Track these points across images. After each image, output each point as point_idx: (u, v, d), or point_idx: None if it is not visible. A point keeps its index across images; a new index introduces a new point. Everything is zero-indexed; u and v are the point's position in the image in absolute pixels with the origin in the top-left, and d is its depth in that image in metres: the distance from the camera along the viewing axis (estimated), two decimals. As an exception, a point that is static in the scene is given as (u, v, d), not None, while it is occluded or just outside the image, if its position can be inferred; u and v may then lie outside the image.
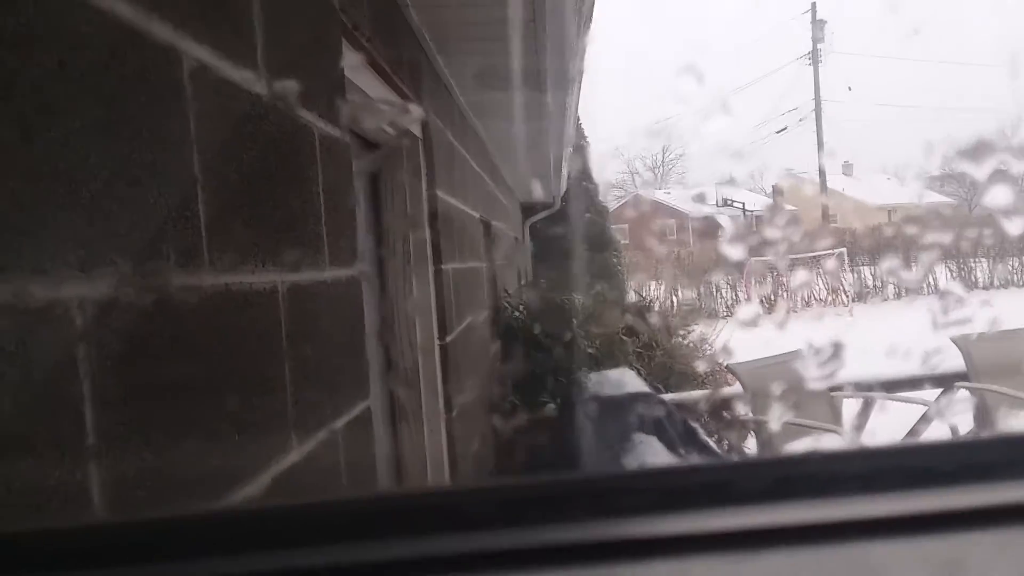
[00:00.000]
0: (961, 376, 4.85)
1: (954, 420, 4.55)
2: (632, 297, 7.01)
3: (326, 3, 1.47)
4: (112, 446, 0.71)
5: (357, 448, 1.42)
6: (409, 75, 2.25)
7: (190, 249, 0.88)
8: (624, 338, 4.86)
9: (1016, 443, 0.56)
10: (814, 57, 25.55)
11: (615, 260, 9.32)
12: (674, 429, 3.76)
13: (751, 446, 4.79)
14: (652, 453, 3.47)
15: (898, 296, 16.70)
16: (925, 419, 4.62)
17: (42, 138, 0.67)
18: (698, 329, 6.93)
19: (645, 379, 4.54)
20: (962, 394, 4.86)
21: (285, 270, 1.14)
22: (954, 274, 16.37)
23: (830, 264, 16.51)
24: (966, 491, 0.47)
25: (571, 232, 8.37)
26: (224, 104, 1.00)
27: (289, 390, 1.12)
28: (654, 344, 5.08)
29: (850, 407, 4.71)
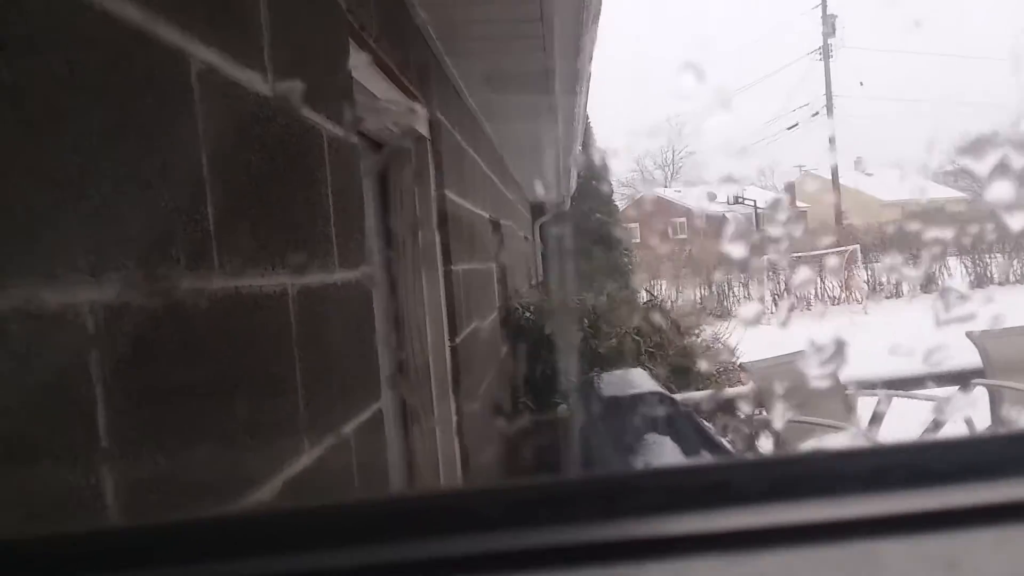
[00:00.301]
0: (978, 373, 4.81)
1: (971, 417, 4.51)
2: (643, 296, 6.99)
3: (333, 4, 1.47)
4: (125, 450, 0.71)
5: (369, 450, 1.42)
6: (417, 75, 2.25)
7: (200, 252, 0.88)
8: (635, 337, 4.85)
9: (1019, 440, 0.56)
10: (825, 52, 25.44)
11: (625, 259, 9.31)
12: (686, 429, 3.74)
13: (764, 445, 4.77)
14: (664, 453, 3.46)
15: (913, 293, 16.59)
16: (942, 416, 4.58)
17: (52, 143, 0.67)
18: (710, 328, 6.90)
19: (657, 379, 4.53)
20: (979, 391, 4.82)
21: (294, 272, 1.14)
22: (969, 269, 16.25)
23: (843, 261, 16.43)
24: (968, 489, 0.47)
25: (581, 231, 8.37)
26: (232, 106, 1.00)
27: (300, 392, 1.12)
28: (665, 343, 5.06)
29: (866, 405, 4.68)
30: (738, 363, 5.17)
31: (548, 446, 3.71)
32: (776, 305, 15.41)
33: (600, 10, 2.89)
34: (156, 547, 0.51)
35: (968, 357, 4.86)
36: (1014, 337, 4.73)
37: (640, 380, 4.22)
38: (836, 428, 4.07)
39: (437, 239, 2.53)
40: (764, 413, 4.51)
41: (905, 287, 16.82)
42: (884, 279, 16.74)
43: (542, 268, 8.42)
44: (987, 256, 16.63)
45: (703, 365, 5.23)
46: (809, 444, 4.11)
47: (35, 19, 0.66)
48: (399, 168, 2.43)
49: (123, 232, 0.75)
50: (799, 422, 4.19)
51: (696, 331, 6.34)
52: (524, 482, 0.54)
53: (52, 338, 0.65)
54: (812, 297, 15.24)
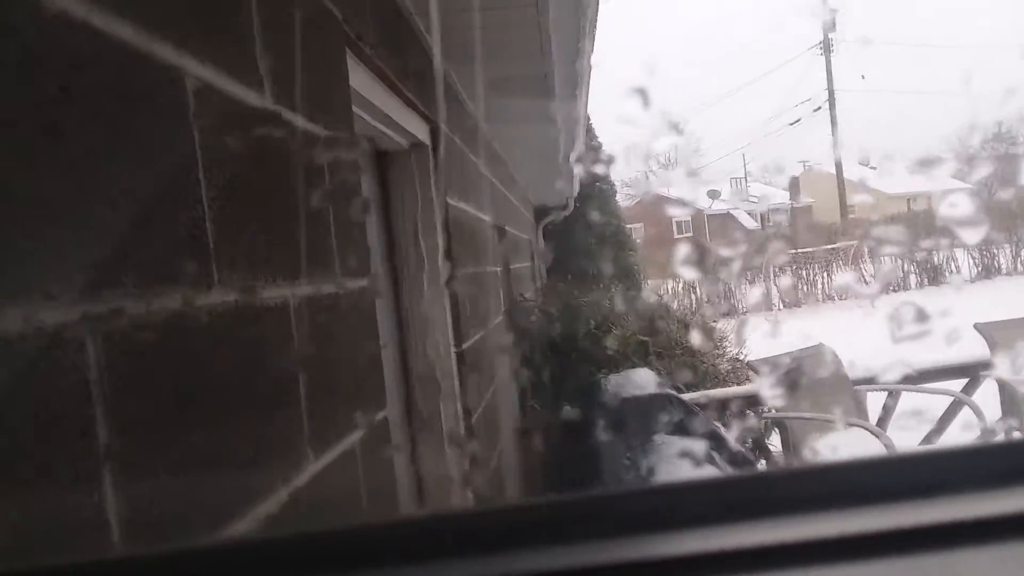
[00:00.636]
0: (987, 365, 4.79)
1: (981, 410, 4.49)
2: (649, 296, 6.98)
3: (329, 15, 1.48)
4: (127, 468, 0.71)
5: (375, 459, 1.42)
6: (416, 83, 2.25)
7: (199, 267, 0.89)
8: (642, 338, 4.84)
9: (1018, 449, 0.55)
10: (826, 46, 25.38)
11: (631, 259, 9.29)
12: (695, 429, 3.73)
13: (774, 443, 4.75)
14: (673, 453, 3.45)
15: (920, 286, 16.54)
16: (952, 410, 4.56)
17: (47, 163, 0.68)
18: (717, 326, 6.88)
19: (665, 378, 4.52)
20: (989, 383, 4.79)
21: (296, 284, 1.14)
22: (976, 261, 16.18)
23: (850, 256, 16.38)
24: (974, 500, 0.45)
25: (585, 233, 8.36)
26: (229, 121, 1.01)
27: (304, 404, 1.12)
28: (672, 343, 5.05)
29: (875, 400, 4.66)
30: (746, 361, 5.16)
31: (556, 448, 3.71)
32: (783, 302, 15.37)
33: (598, 13, 2.89)
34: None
35: (977, 349, 4.84)
36: (1022, 327, 4.70)
37: (647, 381, 4.22)
38: (846, 424, 4.05)
39: (440, 245, 2.53)
40: (772, 411, 4.49)
41: (913, 280, 16.77)
42: (891, 273, 16.68)
43: (547, 271, 8.41)
44: (995, 247, 16.56)
45: (711, 363, 5.22)
46: (818, 441, 4.09)
47: (26, 39, 0.66)
48: (401, 176, 2.44)
49: (121, 250, 0.75)
50: (807, 419, 4.18)
51: (703, 330, 6.32)
52: (521, 502, 0.53)
53: (51, 358, 0.65)
54: (819, 292, 15.20)
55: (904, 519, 0.44)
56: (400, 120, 2.14)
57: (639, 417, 3.67)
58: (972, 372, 4.84)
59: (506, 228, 4.80)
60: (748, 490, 0.52)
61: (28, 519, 0.61)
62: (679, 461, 3.43)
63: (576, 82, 3.59)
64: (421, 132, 2.42)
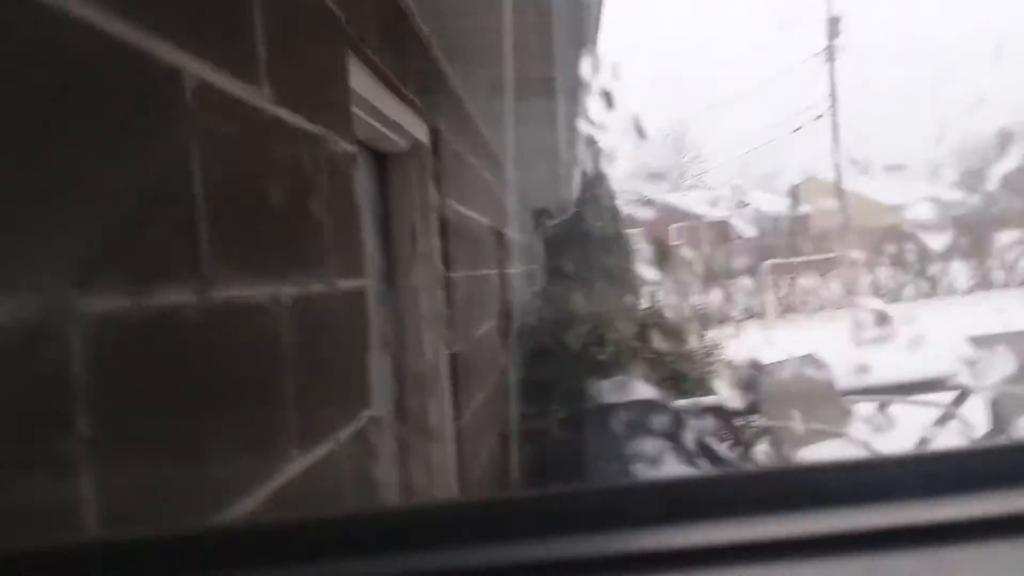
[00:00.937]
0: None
1: (970, 422, 4.50)
2: (645, 302, 6.99)
3: (330, 15, 1.49)
4: (109, 462, 0.72)
5: (362, 458, 1.43)
6: (417, 84, 2.26)
7: (192, 265, 0.89)
8: (635, 344, 4.85)
9: (1010, 452, 0.56)
10: (830, 54, 25.39)
11: (628, 265, 9.30)
12: (684, 436, 3.74)
13: (762, 451, 4.76)
14: (662, 460, 3.46)
15: (915, 297, 16.56)
16: (941, 422, 4.57)
17: (41, 160, 0.68)
18: (711, 334, 6.89)
19: (657, 385, 4.53)
20: (977, 396, 4.80)
21: (289, 283, 1.15)
22: (971, 274, 16.19)
23: (845, 266, 16.40)
24: (976, 500, 0.46)
25: (583, 238, 8.36)
26: (227, 120, 1.02)
27: (292, 402, 1.13)
28: (666, 350, 5.06)
29: (863, 410, 4.67)
30: (737, 369, 5.17)
31: (547, 452, 3.71)
32: (778, 310, 15.38)
33: (601, 16, 2.90)
34: (138, 561, 0.51)
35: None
36: (1013, 342, 4.71)
37: (639, 387, 4.23)
38: (833, 434, 4.06)
39: (437, 247, 2.54)
40: (762, 419, 4.51)
41: (909, 291, 16.79)
42: (886, 283, 16.71)
43: (544, 275, 8.42)
44: (989, 259, 16.57)
45: (703, 371, 5.23)
46: (806, 450, 4.11)
47: (24, 37, 0.67)
48: (399, 177, 2.45)
49: (112, 246, 0.76)
50: (795, 428, 4.19)
51: (697, 337, 6.33)
52: (510, 495, 0.54)
53: (36, 351, 0.66)
54: (814, 301, 15.21)
55: (887, 519, 0.45)
56: (400, 121, 2.15)
57: (629, 423, 3.68)
58: (962, 385, 4.85)
59: (504, 231, 4.81)
60: (729, 488, 0.53)
61: (6, 508, 0.62)
62: (668, 468, 3.44)
63: (578, 87, 3.60)
64: (421, 134, 2.43)
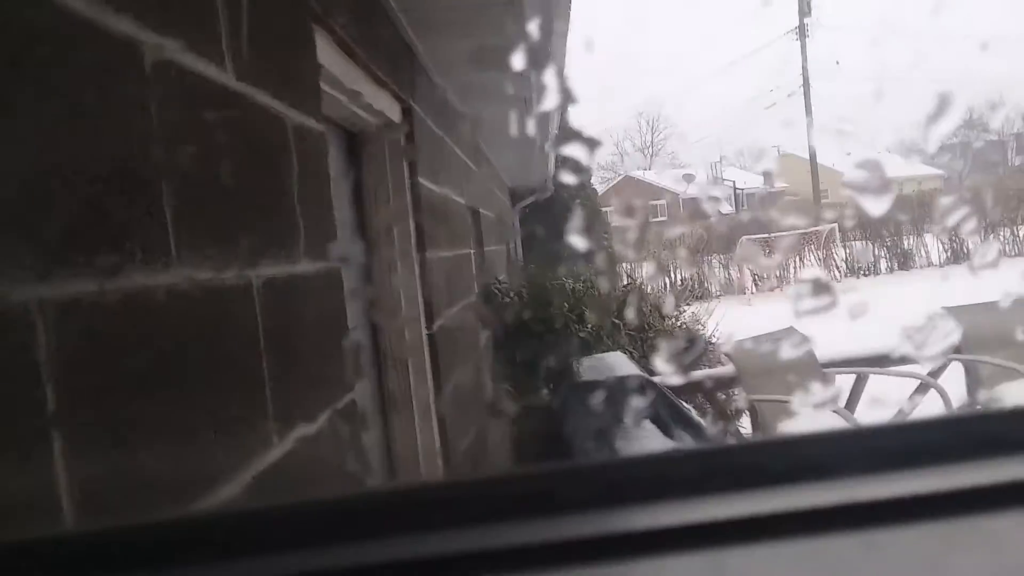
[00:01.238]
0: (954, 349, 4.87)
1: (947, 393, 4.57)
2: (623, 279, 7.01)
3: (296, -10, 1.45)
4: (81, 450, 0.70)
5: (342, 441, 1.41)
6: (387, 61, 2.23)
7: (156, 246, 0.87)
8: (616, 321, 4.86)
9: (998, 419, 0.55)
10: (801, 31, 25.46)
11: (605, 243, 9.32)
12: (666, 411, 3.76)
13: (745, 426, 4.81)
14: (645, 435, 3.48)
15: (891, 270, 16.76)
16: (919, 392, 4.63)
17: (-7, 137, 0.65)
18: (690, 310, 6.93)
19: (638, 362, 4.54)
20: (955, 366, 4.87)
21: (259, 264, 1.12)
22: (946, 246, 16.41)
23: (822, 240, 16.55)
24: (966, 470, 0.46)
25: (560, 216, 8.36)
26: (189, 96, 0.98)
27: (268, 385, 1.10)
28: (646, 326, 5.08)
29: (843, 382, 4.73)
30: (717, 344, 5.21)
31: (529, 432, 3.72)
32: (755, 285, 15.51)
33: (572, -8, 2.87)
34: (116, 552, 0.49)
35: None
36: (988, 312, 4.78)
37: (620, 364, 4.24)
38: (814, 406, 4.10)
39: (412, 227, 2.52)
40: (743, 393, 4.54)
41: (884, 264, 16.99)
42: (862, 257, 16.89)
43: (521, 254, 8.41)
44: (962, 233, 16.79)
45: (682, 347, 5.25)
46: (787, 424, 4.15)
47: (-29, 10, 0.64)
48: (371, 156, 2.41)
49: (73, 227, 0.73)
50: (775, 401, 4.23)
51: (677, 313, 6.37)
52: (498, 474, 0.52)
53: (1, 340, 0.63)
54: (791, 276, 15.34)
55: (872, 492, 0.44)
56: (370, 99, 2.12)
57: (612, 399, 3.70)
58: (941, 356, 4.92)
59: (480, 210, 4.78)
60: (715, 462, 0.52)
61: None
62: (651, 443, 3.46)
63: (551, 61, 3.57)
64: (392, 111, 2.39)
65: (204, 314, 0.96)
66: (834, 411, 4.01)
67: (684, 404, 4.22)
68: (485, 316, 4.16)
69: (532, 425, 3.82)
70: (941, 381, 4.70)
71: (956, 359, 4.81)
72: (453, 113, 3.75)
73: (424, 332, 2.50)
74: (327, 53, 1.67)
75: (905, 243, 16.91)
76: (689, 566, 0.43)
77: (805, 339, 4.74)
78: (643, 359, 4.87)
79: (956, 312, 4.86)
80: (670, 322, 5.67)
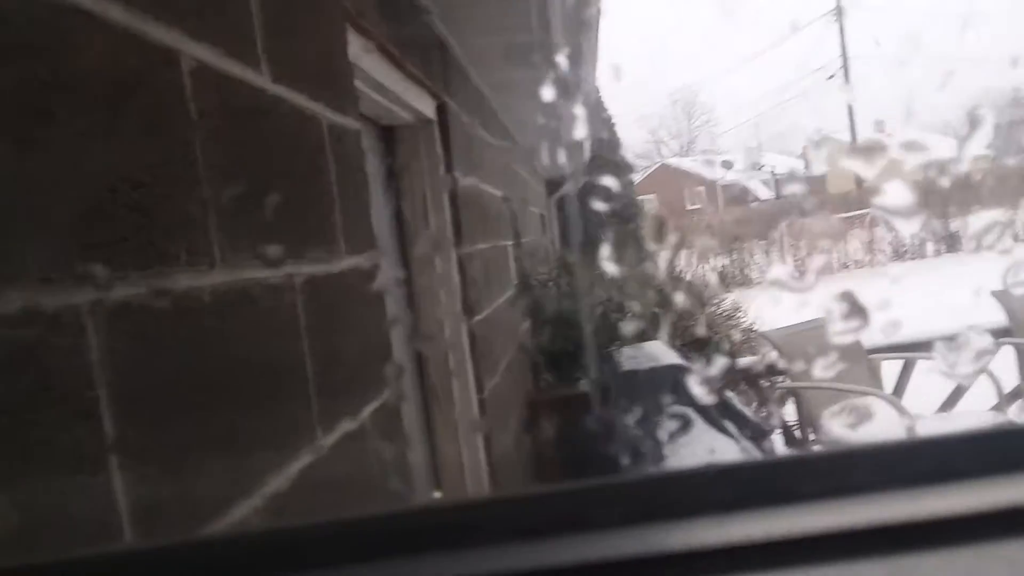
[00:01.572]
0: (1004, 332, 4.74)
1: (998, 377, 4.45)
2: (662, 267, 6.96)
3: (329, -9, 1.46)
4: (133, 450, 0.72)
5: (385, 435, 1.43)
6: (420, 57, 2.24)
7: (200, 248, 0.89)
8: (655, 310, 4.83)
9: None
10: (839, 11, 24.93)
11: (642, 231, 9.25)
12: (710, 399, 3.72)
13: (788, 413, 4.74)
14: (687, 425, 3.45)
15: (938, 253, 16.37)
16: (970, 377, 4.52)
17: (41, 147, 0.67)
18: (731, 297, 6.85)
19: (677, 350, 4.51)
20: (1006, 350, 4.75)
21: (299, 263, 1.14)
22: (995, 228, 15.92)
23: (864, 224, 16.22)
24: (997, 488, 0.43)
25: (597, 204, 8.32)
26: (227, 100, 1.00)
27: (312, 382, 1.12)
28: (685, 315, 5.03)
29: (890, 368, 4.63)
30: (759, 332, 5.14)
31: (570, 422, 3.72)
32: (797, 271, 15.26)
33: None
34: (167, 569, 0.50)
35: (994, 316, 4.79)
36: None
37: (660, 353, 4.21)
38: (861, 393, 4.03)
39: (449, 221, 2.53)
40: (787, 381, 4.48)
41: (929, 247, 16.60)
42: (909, 240, 16.51)
43: (558, 244, 8.39)
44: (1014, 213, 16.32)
45: (724, 335, 5.20)
46: (833, 411, 4.08)
47: (17, 24, 0.66)
48: (407, 152, 2.43)
49: (120, 232, 0.75)
50: (822, 389, 4.16)
51: (717, 300, 6.30)
52: (527, 492, 0.51)
53: (52, 341, 0.65)
54: (834, 261, 15.07)
55: (903, 511, 0.42)
56: (405, 96, 2.13)
57: (653, 389, 3.68)
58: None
59: (516, 201, 4.78)
60: (762, 477, 0.49)
61: (34, 502, 0.62)
62: (694, 433, 3.44)
63: (583, 53, 3.55)
64: (427, 107, 2.40)
65: (247, 313, 0.98)
66: (882, 398, 3.94)
67: (727, 392, 4.18)
68: (524, 308, 4.16)
69: (572, 415, 3.81)
70: (992, 366, 4.58)
71: (1007, 343, 4.69)
72: (486, 106, 3.76)
73: (464, 325, 2.52)
74: (360, 52, 1.68)
75: (952, 225, 16.50)
76: None
77: (863, 311, 4.64)
78: (685, 347, 4.83)
79: (1008, 295, 4.73)
80: (711, 310, 5.61)
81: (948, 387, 4.46)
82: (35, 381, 0.63)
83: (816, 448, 4.25)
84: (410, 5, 2.24)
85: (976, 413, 4.25)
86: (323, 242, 1.27)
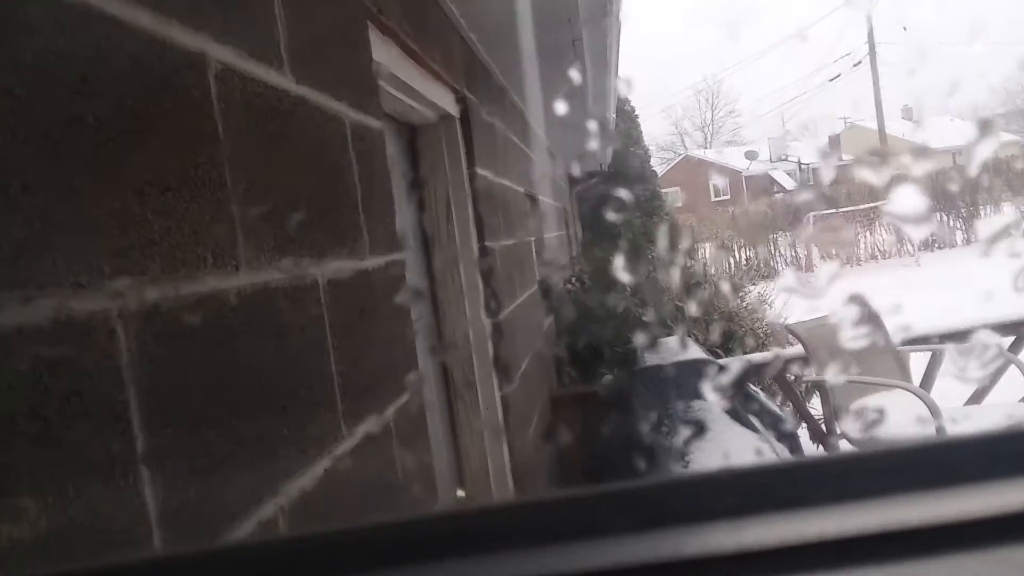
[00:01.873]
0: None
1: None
2: (686, 261, 6.92)
3: (350, -10, 1.47)
4: (162, 455, 0.73)
5: (409, 433, 1.44)
6: (442, 55, 2.24)
7: (226, 250, 0.89)
8: (680, 304, 4.80)
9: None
10: (865, -1, 24.53)
11: (667, 224, 9.20)
12: (736, 393, 3.70)
13: (815, 407, 4.70)
14: (712, 419, 3.43)
15: (967, 242, 16.12)
16: (999, 368, 4.46)
17: (70, 153, 0.68)
18: (756, 290, 6.81)
19: (703, 344, 4.49)
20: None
21: (324, 262, 1.15)
22: (1025, 215, 15.68)
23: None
24: (1005, 491, 0.42)
25: (620, 199, 8.30)
26: (252, 102, 1.01)
27: (336, 381, 1.13)
28: (710, 308, 5.00)
29: (918, 361, 4.58)
30: (785, 324, 5.10)
31: (593, 416, 3.71)
32: (824, 262, 15.11)
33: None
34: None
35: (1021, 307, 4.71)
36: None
37: (686, 347, 4.19)
38: (888, 386, 3.99)
39: (472, 217, 2.53)
40: (813, 374, 4.44)
41: (959, 236, 16.36)
42: (937, 229, 16.27)
43: (582, 238, 8.37)
44: (1045, 200, 16.05)
45: (750, 328, 5.17)
46: (861, 404, 4.04)
47: (45, 32, 0.67)
48: (429, 150, 2.43)
49: (147, 236, 0.76)
50: (850, 382, 4.12)
51: (741, 294, 6.26)
52: (537, 497, 0.51)
53: (83, 346, 0.66)
54: (862, 252, 14.91)
55: (909, 515, 0.42)
56: (427, 93, 2.13)
57: (678, 383, 3.66)
58: (1019, 330, 4.72)
59: (539, 197, 4.78)
60: (776, 481, 0.49)
61: (66, 506, 0.63)
62: (719, 427, 3.42)
63: (605, 46, 3.53)
64: (449, 104, 2.41)
65: (273, 314, 0.99)
66: (910, 391, 3.89)
67: (752, 386, 4.15)
68: (547, 303, 4.16)
69: (596, 410, 3.81)
70: (1021, 356, 4.51)
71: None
72: (509, 102, 3.75)
73: (487, 321, 2.52)
74: (382, 50, 1.69)
75: (982, 213, 16.24)
76: None
77: (876, 316, 4.60)
78: (709, 340, 4.80)
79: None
80: (735, 303, 5.57)
81: (978, 380, 4.39)
82: (67, 387, 0.64)
83: (834, 449, 4.21)
84: (431, 3, 2.24)
85: (1006, 405, 4.19)
86: (347, 242, 1.27)
